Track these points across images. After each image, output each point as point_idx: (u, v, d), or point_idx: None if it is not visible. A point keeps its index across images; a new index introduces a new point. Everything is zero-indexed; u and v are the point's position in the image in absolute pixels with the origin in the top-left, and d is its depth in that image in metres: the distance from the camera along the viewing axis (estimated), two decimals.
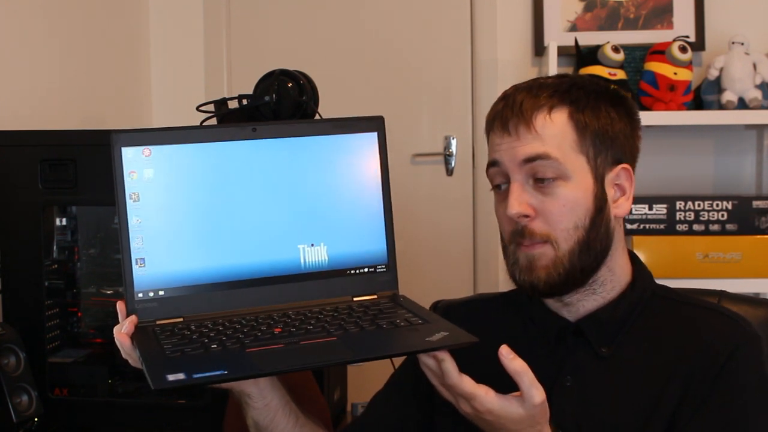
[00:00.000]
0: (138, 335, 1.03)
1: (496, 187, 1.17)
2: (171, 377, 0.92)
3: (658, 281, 1.24)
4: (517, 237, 1.13)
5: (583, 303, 1.16)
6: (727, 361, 1.09)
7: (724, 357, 1.09)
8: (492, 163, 1.15)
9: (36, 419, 1.56)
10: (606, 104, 1.15)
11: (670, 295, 1.20)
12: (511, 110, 1.13)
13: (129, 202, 1.05)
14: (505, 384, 0.99)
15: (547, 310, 1.19)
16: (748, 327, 1.13)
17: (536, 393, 0.98)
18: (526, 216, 1.11)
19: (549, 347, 1.17)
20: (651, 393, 1.11)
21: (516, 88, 1.16)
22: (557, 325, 1.17)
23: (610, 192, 1.15)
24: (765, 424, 1.09)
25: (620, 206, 1.16)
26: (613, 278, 1.17)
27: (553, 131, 1.11)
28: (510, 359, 0.98)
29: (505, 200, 1.14)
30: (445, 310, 1.31)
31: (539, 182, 1.11)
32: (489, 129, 1.17)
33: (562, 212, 1.11)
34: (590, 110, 1.13)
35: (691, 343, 1.12)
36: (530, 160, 1.11)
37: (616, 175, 1.15)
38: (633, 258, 1.21)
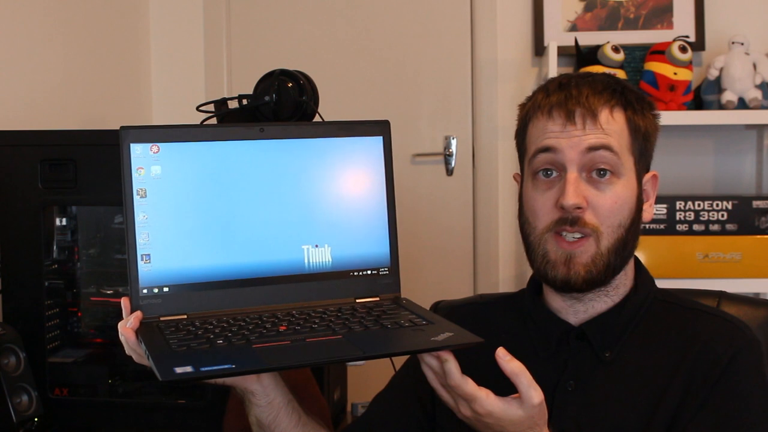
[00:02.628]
0: (143, 330, 1.03)
1: (541, 173, 1.15)
2: (178, 370, 0.92)
3: (658, 282, 1.24)
4: (562, 225, 1.12)
5: (593, 303, 1.17)
6: (729, 364, 1.09)
7: (726, 361, 1.10)
8: (545, 149, 1.14)
9: (36, 419, 1.55)
10: (648, 110, 1.17)
11: (671, 299, 1.21)
12: (577, 101, 1.13)
13: (136, 198, 1.05)
14: (505, 386, 0.99)
15: (549, 313, 1.19)
16: (748, 331, 1.14)
17: (534, 394, 0.98)
18: (580, 208, 1.11)
19: (551, 350, 1.18)
20: (652, 396, 1.11)
21: (574, 80, 1.16)
22: (560, 329, 1.18)
23: (643, 196, 1.17)
24: (765, 427, 1.09)
25: (646, 211, 1.18)
26: (625, 282, 1.18)
27: (615, 128, 1.13)
28: (506, 361, 0.98)
29: (549, 189, 1.13)
30: (447, 311, 1.31)
31: (595, 176, 1.12)
32: (544, 114, 1.15)
33: (613, 208, 1.12)
34: (641, 114, 1.16)
35: (692, 347, 1.12)
36: (594, 148, 1.11)
37: (647, 180, 1.18)
38: (636, 261, 1.22)
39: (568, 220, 1.11)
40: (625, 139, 1.14)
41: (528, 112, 1.19)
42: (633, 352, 1.15)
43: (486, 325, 1.18)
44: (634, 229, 1.15)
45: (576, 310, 1.17)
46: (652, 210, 1.20)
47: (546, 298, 1.21)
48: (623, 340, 1.15)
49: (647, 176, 1.18)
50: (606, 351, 1.15)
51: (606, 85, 1.15)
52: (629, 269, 1.19)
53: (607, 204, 1.12)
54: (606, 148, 1.11)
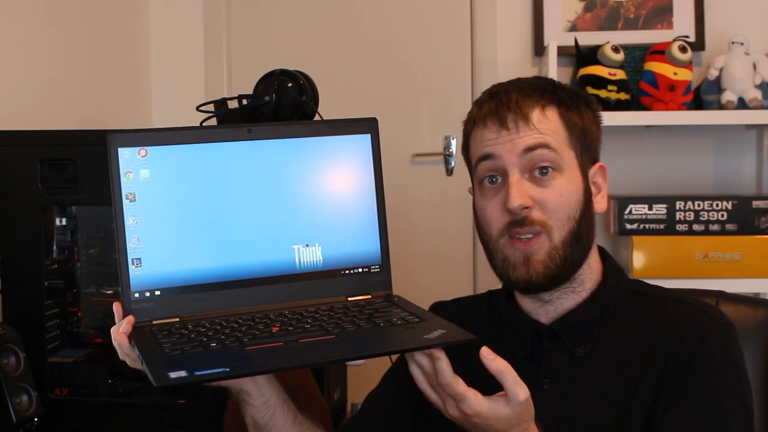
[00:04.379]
0: (136, 335, 1.03)
1: (486, 181, 1.18)
2: (173, 374, 0.92)
3: (658, 281, 1.25)
4: (514, 227, 1.14)
5: (561, 302, 1.18)
6: (698, 350, 1.10)
7: (695, 346, 1.11)
8: (485, 157, 1.17)
9: (36, 419, 1.56)
10: (584, 106, 1.20)
11: (641, 288, 1.22)
12: (507, 107, 1.15)
13: (125, 202, 1.06)
14: (490, 383, 1.00)
15: (521, 313, 1.21)
16: (718, 316, 1.15)
17: (520, 391, 0.99)
18: (526, 207, 1.13)
19: (526, 350, 1.19)
20: (627, 388, 1.12)
21: (503, 87, 1.19)
22: (533, 329, 1.19)
23: (592, 188, 1.19)
24: (738, 411, 1.10)
25: (599, 202, 1.20)
26: (591, 276, 1.19)
27: (549, 126, 1.15)
28: (491, 359, 0.99)
29: (496, 195, 1.16)
30: (434, 310, 1.31)
31: (537, 174, 1.14)
32: (480, 125, 1.18)
33: (559, 202, 1.14)
34: (575, 110, 1.18)
35: (662, 336, 1.13)
36: (531, 149, 1.13)
37: (595, 172, 1.20)
38: (603, 255, 1.24)
39: (518, 221, 1.13)
40: (562, 135, 1.16)
41: (467, 127, 1.22)
42: (606, 346, 1.16)
43: (469, 324, 1.18)
44: (586, 222, 1.16)
45: (546, 310, 1.19)
46: (605, 200, 1.22)
47: (517, 299, 1.23)
48: (595, 335, 1.17)
49: (594, 168, 1.20)
50: (578, 347, 1.16)
51: (535, 87, 1.18)
52: (593, 263, 1.20)
53: (553, 199, 1.13)
54: (543, 146, 1.14)
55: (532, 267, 1.13)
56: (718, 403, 1.09)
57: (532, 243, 1.13)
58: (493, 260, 1.18)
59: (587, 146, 1.18)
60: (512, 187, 1.13)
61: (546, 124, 1.15)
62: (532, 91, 1.17)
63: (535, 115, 1.15)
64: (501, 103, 1.16)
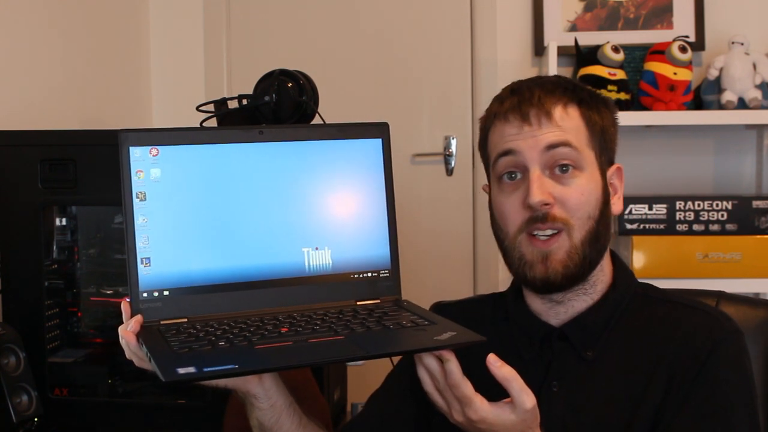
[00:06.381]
0: (143, 334, 1.03)
1: (506, 177, 1.17)
2: (181, 370, 0.91)
3: (658, 281, 1.25)
4: (534, 224, 1.13)
5: (573, 303, 1.18)
6: (709, 356, 1.10)
7: (705, 353, 1.10)
8: (506, 152, 1.16)
9: (36, 419, 1.55)
10: (603, 106, 1.19)
11: (652, 293, 1.22)
12: (530, 102, 1.15)
13: (135, 201, 1.05)
14: (495, 389, 1.00)
15: (531, 314, 1.20)
16: (728, 323, 1.15)
17: (527, 398, 0.99)
18: (547, 204, 1.12)
19: (534, 352, 1.18)
20: (635, 392, 1.12)
21: (525, 84, 1.19)
22: (542, 331, 1.19)
23: (609, 189, 1.19)
24: (746, 417, 1.10)
25: (615, 204, 1.20)
26: (603, 278, 1.19)
27: (571, 124, 1.15)
28: (498, 367, 0.98)
29: (516, 191, 1.15)
30: (439, 311, 1.31)
31: (558, 172, 1.13)
32: (500, 121, 1.17)
33: (580, 201, 1.13)
34: (596, 110, 1.17)
35: (672, 341, 1.13)
36: (553, 146, 1.13)
37: (612, 173, 1.20)
38: (613, 258, 1.23)
39: (539, 217, 1.12)
40: (583, 134, 1.15)
41: (486, 123, 1.21)
42: (615, 350, 1.16)
43: (475, 325, 1.19)
44: (604, 222, 1.16)
45: (557, 312, 1.18)
46: (620, 203, 1.21)
47: (527, 300, 1.22)
48: (604, 338, 1.16)
49: (611, 169, 1.20)
50: (588, 350, 1.16)
51: (556, 85, 1.17)
52: (606, 265, 1.20)
53: (574, 197, 1.13)
54: (564, 144, 1.13)
55: (550, 266, 1.13)
56: (726, 410, 1.09)
57: (551, 242, 1.13)
58: (508, 258, 1.17)
59: (606, 147, 1.18)
60: (533, 183, 1.12)
61: (568, 122, 1.14)
62: (554, 88, 1.16)
63: (558, 112, 1.14)
64: (524, 99, 1.16)
